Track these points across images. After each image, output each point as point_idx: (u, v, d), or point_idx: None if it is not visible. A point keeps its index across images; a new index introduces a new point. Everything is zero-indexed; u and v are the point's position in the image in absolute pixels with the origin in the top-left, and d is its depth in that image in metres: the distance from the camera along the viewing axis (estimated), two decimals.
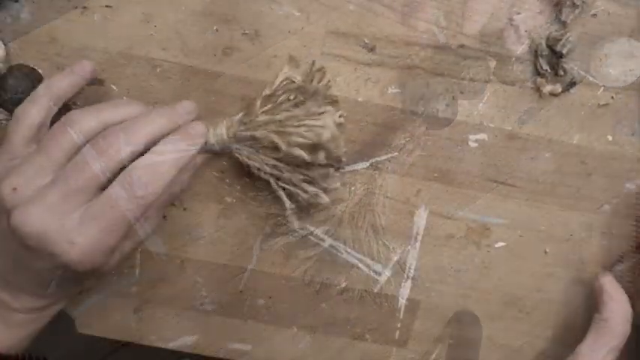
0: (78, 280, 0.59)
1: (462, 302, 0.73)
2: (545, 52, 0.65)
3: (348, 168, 0.68)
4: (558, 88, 0.66)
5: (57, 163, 0.53)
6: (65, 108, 0.61)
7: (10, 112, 0.60)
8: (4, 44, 0.62)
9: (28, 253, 0.53)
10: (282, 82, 0.64)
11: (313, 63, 0.65)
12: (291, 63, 0.65)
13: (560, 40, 0.65)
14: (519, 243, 0.71)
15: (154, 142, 0.56)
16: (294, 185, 0.65)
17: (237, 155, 0.64)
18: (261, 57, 0.65)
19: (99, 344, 0.73)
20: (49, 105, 0.58)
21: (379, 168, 0.69)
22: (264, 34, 0.64)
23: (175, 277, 0.71)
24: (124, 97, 0.65)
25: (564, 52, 0.65)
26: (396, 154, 0.68)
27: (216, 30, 0.64)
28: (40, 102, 0.57)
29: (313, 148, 0.62)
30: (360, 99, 0.66)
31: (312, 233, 0.70)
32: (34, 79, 0.61)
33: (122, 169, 0.54)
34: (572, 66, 0.66)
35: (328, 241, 0.71)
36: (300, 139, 0.62)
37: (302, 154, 0.62)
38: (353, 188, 0.69)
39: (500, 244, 0.71)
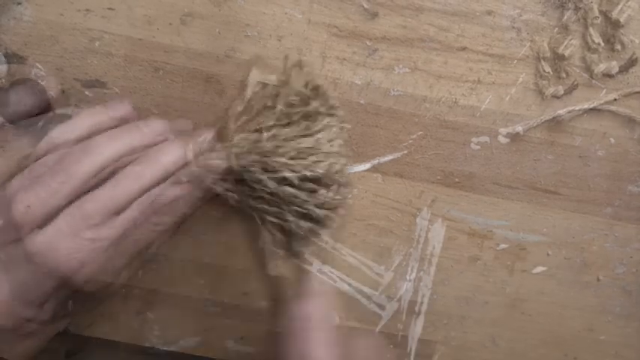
0: (84, 297, 0.58)
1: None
2: (548, 54, 0.62)
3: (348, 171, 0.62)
4: (561, 90, 0.62)
5: (72, 189, 0.52)
6: None
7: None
8: (7, 61, 0.61)
9: (36, 270, 0.52)
10: (254, 90, 0.58)
11: (286, 57, 0.60)
12: (259, 63, 0.61)
13: (563, 42, 0.61)
14: (522, 245, 0.66)
15: (173, 172, 0.55)
16: (285, 220, 0.59)
17: (212, 187, 0.59)
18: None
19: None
20: (84, 134, 0.56)
21: (383, 171, 0.63)
22: (266, 36, 0.61)
23: (178, 279, 0.67)
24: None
25: (566, 54, 0.61)
26: (405, 152, 0.63)
27: (219, 32, 0.60)
28: (80, 129, 0.56)
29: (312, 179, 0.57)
30: (362, 101, 0.62)
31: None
32: (36, 92, 0.59)
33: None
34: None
35: (317, 265, 0.65)
36: (290, 174, 0.56)
37: (297, 194, 0.57)
38: (356, 191, 0.63)
39: (503, 245, 0.65)
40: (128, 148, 0.54)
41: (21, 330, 0.54)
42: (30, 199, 0.51)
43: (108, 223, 0.52)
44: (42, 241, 0.51)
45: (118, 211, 0.52)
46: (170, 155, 0.55)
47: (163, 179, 0.55)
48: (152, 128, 0.57)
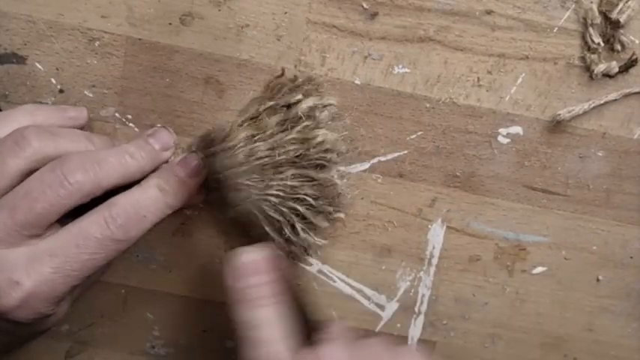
0: (13, 333, 0.52)
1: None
2: (598, 20, 0.59)
3: (342, 170, 0.62)
4: (614, 67, 0.60)
5: (1, 189, 0.49)
6: None
7: None
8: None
9: (59, 268, 0.49)
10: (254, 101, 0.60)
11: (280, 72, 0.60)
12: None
13: (618, 4, 0.58)
14: (564, 268, 0.66)
15: (124, 183, 0.52)
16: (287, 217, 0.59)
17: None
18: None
19: None
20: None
21: (383, 171, 0.62)
22: (265, 36, 0.59)
23: (118, 311, 0.65)
24: (76, 106, 0.59)
25: (622, 20, 0.58)
26: (405, 152, 0.62)
27: (219, 32, 0.59)
28: (15, 126, 0.52)
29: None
30: (357, 81, 0.60)
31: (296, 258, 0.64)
32: None
33: (84, 207, 0.50)
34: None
35: (317, 266, 0.64)
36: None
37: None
38: (349, 197, 0.62)
39: (540, 269, 0.65)
40: (62, 147, 0.52)
41: (37, 325, 0.51)
42: None
43: (132, 225, 0.50)
44: (69, 241, 0.48)
45: (142, 215, 0.51)
46: (193, 167, 0.55)
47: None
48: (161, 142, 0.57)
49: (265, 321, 0.48)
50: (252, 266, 0.51)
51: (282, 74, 0.60)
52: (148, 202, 0.51)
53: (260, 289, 0.50)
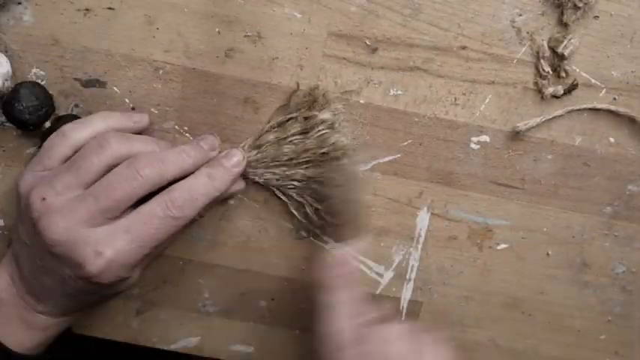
0: (98, 293, 0.59)
1: (465, 304, 0.72)
2: (547, 53, 0.64)
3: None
4: (560, 90, 0.65)
5: (87, 182, 0.55)
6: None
7: (20, 127, 0.62)
8: (9, 61, 0.61)
9: (53, 260, 0.54)
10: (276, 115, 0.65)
11: (297, 87, 0.65)
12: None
13: (563, 41, 0.64)
14: (522, 245, 0.70)
15: (182, 175, 0.58)
16: (313, 202, 0.66)
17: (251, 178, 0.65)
18: (263, 59, 0.64)
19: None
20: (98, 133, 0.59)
21: (381, 170, 0.68)
22: (266, 35, 0.63)
23: (177, 278, 0.69)
24: (136, 109, 0.65)
25: (566, 53, 0.63)
26: (399, 155, 0.67)
27: (219, 32, 0.62)
28: (93, 128, 0.59)
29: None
30: (361, 101, 0.65)
31: (316, 237, 0.69)
32: (40, 94, 0.61)
33: (150, 195, 0.56)
34: (574, 68, 0.65)
35: (331, 243, 0.69)
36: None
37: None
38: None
39: (503, 245, 0.70)
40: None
41: (117, 287, 0.58)
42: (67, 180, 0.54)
43: (187, 206, 0.55)
44: (139, 219, 0.54)
45: (194, 199, 0.56)
46: (235, 160, 0.61)
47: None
48: (210, 145, 0.62)
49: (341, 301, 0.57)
50: (342, 258, 0.60)
51: (298, 89, 0.64)
52: (200, 187, 0.57)
53: (347, 276, 0.59)
